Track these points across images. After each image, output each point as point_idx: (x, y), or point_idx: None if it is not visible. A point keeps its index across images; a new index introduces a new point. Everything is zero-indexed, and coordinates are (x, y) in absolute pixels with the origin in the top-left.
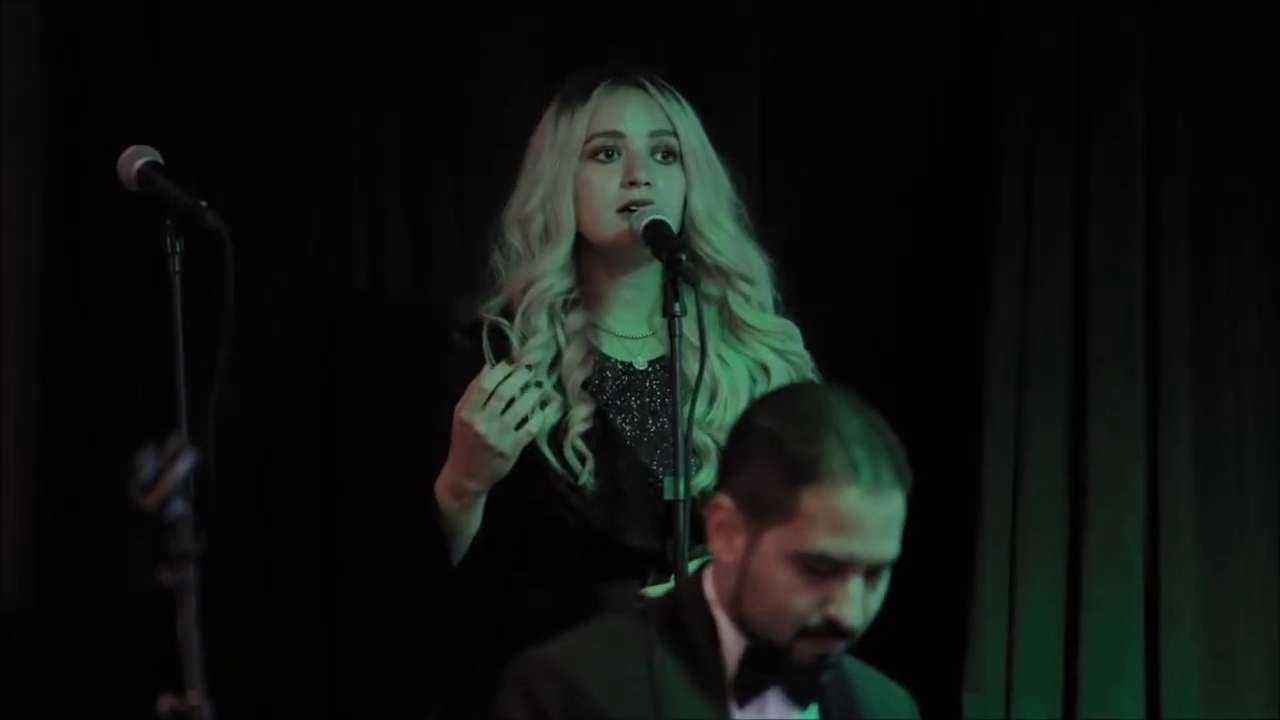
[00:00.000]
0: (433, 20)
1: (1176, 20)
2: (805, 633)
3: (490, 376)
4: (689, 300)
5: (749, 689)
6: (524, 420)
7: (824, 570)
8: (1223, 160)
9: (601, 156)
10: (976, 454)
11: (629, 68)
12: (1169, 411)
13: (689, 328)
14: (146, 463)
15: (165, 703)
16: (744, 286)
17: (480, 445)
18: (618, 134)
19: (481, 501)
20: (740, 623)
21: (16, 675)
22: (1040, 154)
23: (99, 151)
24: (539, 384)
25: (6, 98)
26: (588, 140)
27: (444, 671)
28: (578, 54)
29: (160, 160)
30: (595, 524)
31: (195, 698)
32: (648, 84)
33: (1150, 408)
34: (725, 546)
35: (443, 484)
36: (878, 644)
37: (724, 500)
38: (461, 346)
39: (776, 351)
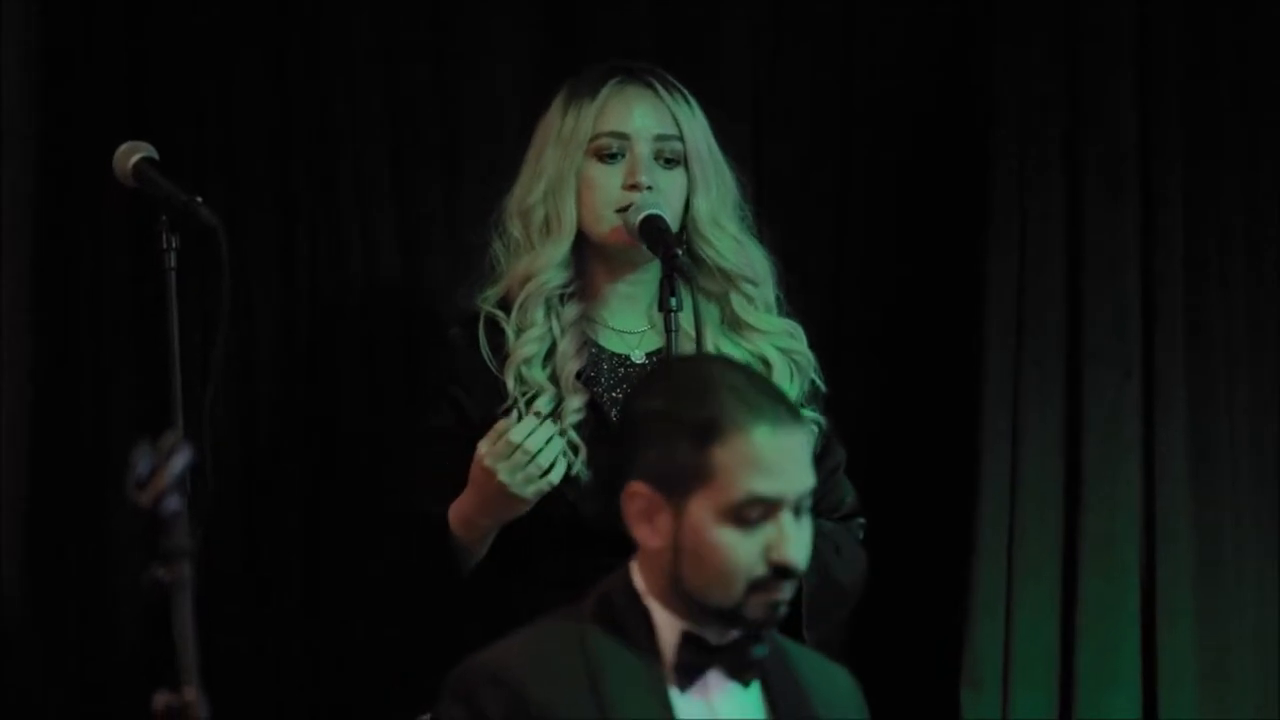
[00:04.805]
0: (428, 21)
1: (1168, 18)
2: (755, 586)
3: (517, 430)
4: (685, 295)
5: (689, 673)
6: (549, 469)
7: (756, 516)
8: (1216, 158)
9: (606, 156)
10: (973, 452)
11: (640, 65)
12: (1164, 411)
13: (686, 322)
14: (141, 459)
15: (160, 699)
16: (747, 288)
17: (502, 493)
18: (623, 135)
19: (494, 532)
20: (682, 603)
21: (11, 673)
22: (1033, 152)
23: (90, 152)
24: (562, 433)
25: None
26: (593, 138)
27: (441, 671)
28: (571, 53)
29: (155, 156)
30: (586, 515)
31: (190, 694)
32: (657, 84)
33: (1146, 408)
34: (650, 532)
35: (457, 515)
36: (877, 638)
37: (638, 487)
38: (456, 340)
39: (780, 350)
